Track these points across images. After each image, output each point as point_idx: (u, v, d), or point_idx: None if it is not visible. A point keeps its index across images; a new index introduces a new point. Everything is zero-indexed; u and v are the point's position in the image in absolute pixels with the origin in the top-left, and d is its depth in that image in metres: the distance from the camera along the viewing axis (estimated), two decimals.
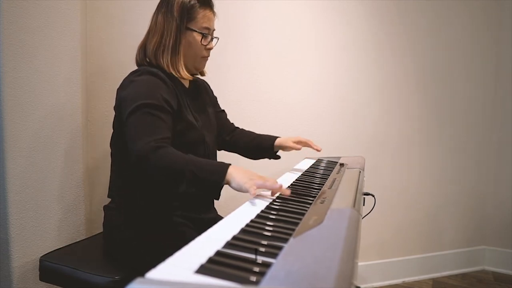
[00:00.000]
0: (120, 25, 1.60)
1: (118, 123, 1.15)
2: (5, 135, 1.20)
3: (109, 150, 1.22)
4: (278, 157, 1.44)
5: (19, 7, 1.21)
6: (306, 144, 1.39)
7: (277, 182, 0.94)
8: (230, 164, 0.96)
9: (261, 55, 1.88)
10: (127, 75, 1.16)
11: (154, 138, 0.97)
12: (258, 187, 0.91)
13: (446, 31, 2.22)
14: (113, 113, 1.18)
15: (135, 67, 1.24)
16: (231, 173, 0.93)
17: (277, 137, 1.42)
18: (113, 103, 1.14)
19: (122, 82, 1.15)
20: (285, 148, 1.39)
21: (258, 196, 0.94)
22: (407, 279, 2.26)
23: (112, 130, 1.20)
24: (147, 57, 1.18)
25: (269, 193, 0.96)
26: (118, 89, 1.16)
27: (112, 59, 1.60)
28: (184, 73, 1.18)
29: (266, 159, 1.47)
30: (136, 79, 1.10)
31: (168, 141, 1.02)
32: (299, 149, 1.37)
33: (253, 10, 1.84)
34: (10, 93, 1.20)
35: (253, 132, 1.47)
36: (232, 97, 1.82)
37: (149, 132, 0.99)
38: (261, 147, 1.42)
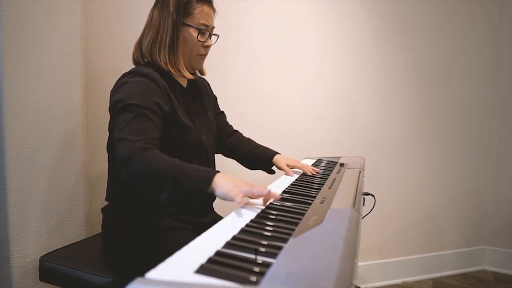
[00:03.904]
0: (120, 25, 1.60)
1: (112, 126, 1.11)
2: (5, 135, 1.20)
3: None
4: (273, 172, 1.41)
5: (19, 7, 1.21)
6: (301, 169, 1.34)
7: (265, 188, 0.88)
8: (218, 172, 0.90)
9: (261, 55, 1.88)
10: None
11: (141, 139, 0.93)
12: (245, 195, 0.86)
13: (447, 32, 2.22)
14: None
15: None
16: (217, 180, 0.87)
17: (277, 153, 1.38)
18: None
19: (115, 84, 1.10)
20: (279, 168, 1.36)
21: (248, 204, 0.89)
22: (407, 279, 2.26)
23: (108, 134, 1.17)
24: (143, 55, 1.14)
25: (260, 201, 0.90)
26: (111, 91, 1.11)
27: (112, 59, 1.60)
28: (185, 71, 1.14)
29: None
30: (128, 81, 1.05)
31: (156, 142, 0.97)
32: (290, 175, 1.31)
33: (253, 9, 1.84)
34: (10, 93, 1.20)
35: (252, 141, 1.44)
36: (232, 96, 1.82)
37: (136, 132, 0.94)
38: (259, 159, 1.39)
